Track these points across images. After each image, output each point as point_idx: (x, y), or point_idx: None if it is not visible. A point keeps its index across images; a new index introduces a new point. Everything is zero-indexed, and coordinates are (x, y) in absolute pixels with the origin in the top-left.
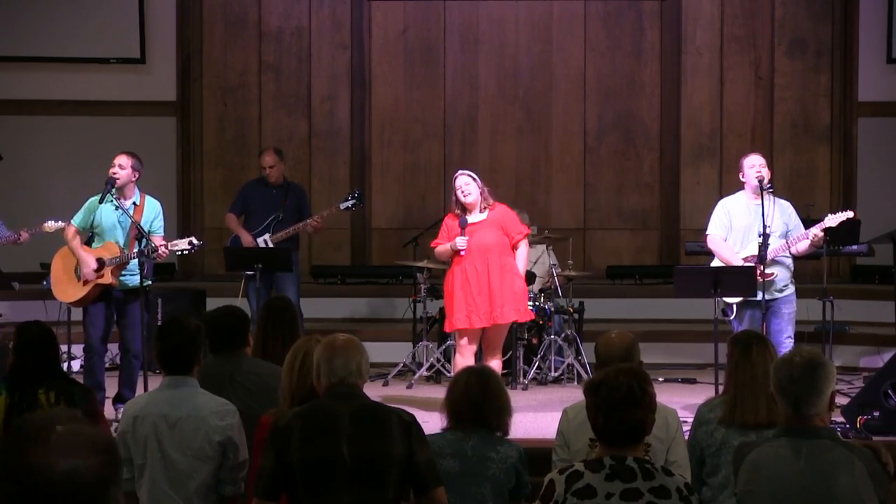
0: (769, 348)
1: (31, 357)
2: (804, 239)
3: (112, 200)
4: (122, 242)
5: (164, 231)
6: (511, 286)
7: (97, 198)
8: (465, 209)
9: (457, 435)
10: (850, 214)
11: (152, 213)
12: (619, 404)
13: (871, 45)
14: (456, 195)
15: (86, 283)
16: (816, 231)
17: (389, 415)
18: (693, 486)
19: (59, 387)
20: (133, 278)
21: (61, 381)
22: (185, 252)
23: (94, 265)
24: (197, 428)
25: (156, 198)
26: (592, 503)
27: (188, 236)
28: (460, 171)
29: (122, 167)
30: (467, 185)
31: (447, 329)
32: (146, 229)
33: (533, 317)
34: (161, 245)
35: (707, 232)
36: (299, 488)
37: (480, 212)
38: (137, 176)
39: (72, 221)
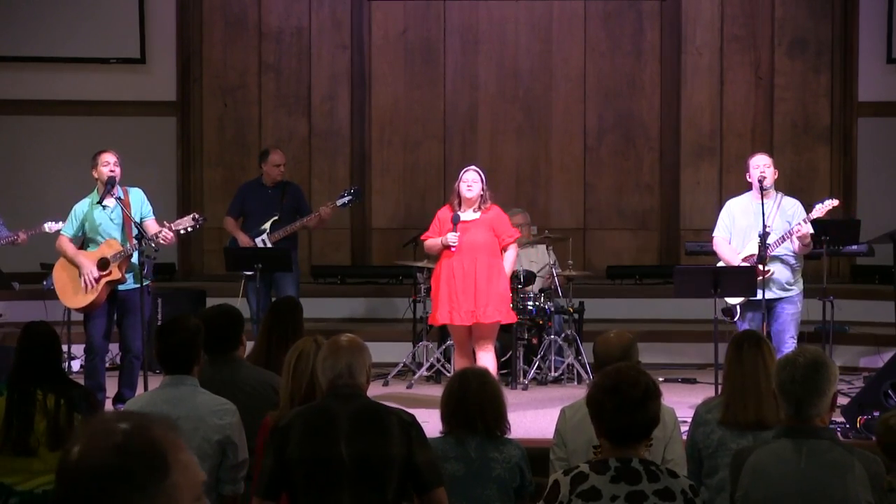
0: (763, 349)
1: (35, 357)
2: (790, 236)
3: (102, 201)
4: (119, 239)
5: (155, 214)
6: (497, 287)
7: (83, 203)
8: (461, 204)
9: (457, 438)
10: (835, 203)
11: (139, 201)
12: (639, 401)
13: (871, 45)
14: (459, 187)
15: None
16: (800, 222)
17: (389, 415)
18: None
19: (59, 389)
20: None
21: (62, 384)
22: (189, 230)
23: (94, 269)
24: (195, 427)
25: (138, 187)
26: None
27: (188, 214)
28: (471, 167)
29: (117, 164)
30: (475, 183)
31: (431, 322)
32: (139, 217)
33: (515, 319)
34: (163, 228)
35: (712, 234)
36: (299, 488)
37: (475, 211)
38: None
39: (62, 232)
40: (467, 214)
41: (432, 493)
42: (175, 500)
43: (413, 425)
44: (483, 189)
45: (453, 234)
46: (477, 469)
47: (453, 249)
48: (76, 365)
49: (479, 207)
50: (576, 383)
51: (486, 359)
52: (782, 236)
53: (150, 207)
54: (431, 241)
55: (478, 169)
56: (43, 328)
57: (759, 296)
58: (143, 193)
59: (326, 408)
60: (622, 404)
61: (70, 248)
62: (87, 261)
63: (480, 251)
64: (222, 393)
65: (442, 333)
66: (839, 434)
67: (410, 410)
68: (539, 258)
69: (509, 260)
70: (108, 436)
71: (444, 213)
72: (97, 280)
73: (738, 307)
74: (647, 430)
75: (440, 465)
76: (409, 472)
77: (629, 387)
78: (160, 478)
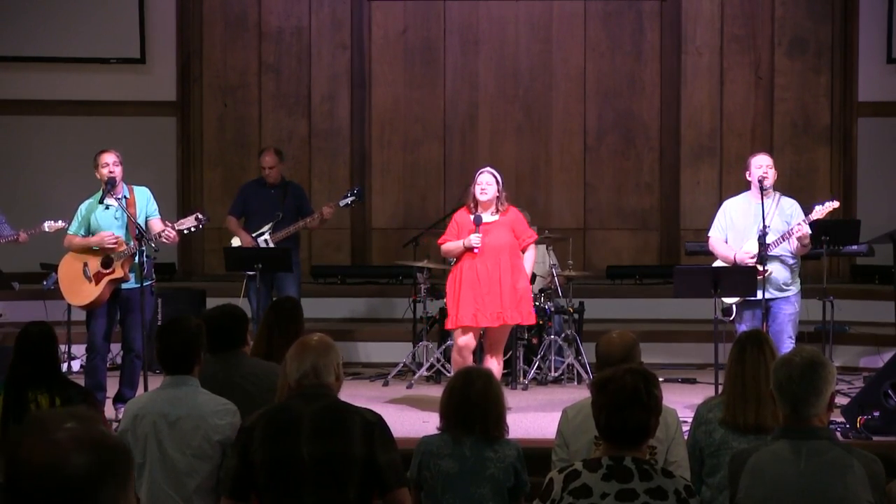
0: (765, 350)
1: (31, 358)
2: (789, 236)
3: (103, 201)
4: (123, 237)
5: (161, 214)
6: (521, 289)
7: (88, 203)
8: (477, 206)
9: (453, 436)
10: (835, 205)
11: (144, 200)
12: (623, 404)
13: (871, 45)
14: (474, 190)
15: (98, 281)
16: (800, 222)
17: (352, 415)
18: (693, 485)
19: (55, 389)
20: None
21: (58, 384)
22: (192, 230)
23: (108, 235)
24: (196, 427)
25: (143, 185)
26: (588, 502)
27: (192, 213)
28: (486, 169)
29: (116, 164)
30: (489, 185)
31: (448, 326)
32: (144, 216)
33: (535, 321)
34: (167, 228)
35: (708, 234)
36: (263, 488)
37: (493, 213)
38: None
39: (68, 231)
40: (487, 216)
41: (394, 494)
42: (132, 492)
43: (376, 425)
44: (499, 191)
45: (476, 235)
46: (471, 467)
47: (476, 251)
48: (76, 365)
49: (498, 209)
50: (576, 383)
51: (493, 364)
52: (782, 235)
53: (155, 206)
54: (451, 245)
55: (493, 171)
56: (40, 329)
57: (759, 296)
58: (148, 192)
59: (289, 408)
60: (605, 404)
61: (78, 239)
62: (99, 235)
63: (503, 252)
64: (225, 389)
65: (442, 333)
66: (839, 434)
67: (410, 410)
68: (539, 258)
69: (529, 260)
70: (78, 435)
71: (461, 217)
72: (111, 242)
73: (734, 307)
74: (636, 435)
75: (436, 466)
76: (371, 472)
77: (616, 389)
78: (131, 468)
